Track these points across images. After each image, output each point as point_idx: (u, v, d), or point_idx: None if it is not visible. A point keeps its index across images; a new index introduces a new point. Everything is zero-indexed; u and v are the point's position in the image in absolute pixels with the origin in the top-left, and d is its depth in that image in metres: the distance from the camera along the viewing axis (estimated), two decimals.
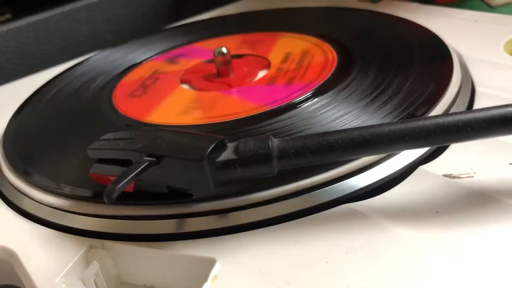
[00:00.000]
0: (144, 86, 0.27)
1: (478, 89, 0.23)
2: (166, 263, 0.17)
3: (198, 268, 0.16)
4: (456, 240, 0.15)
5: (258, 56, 0.29)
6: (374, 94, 0.21)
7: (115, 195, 0.15)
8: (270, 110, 0.22)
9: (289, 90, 0.23)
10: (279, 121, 0.21)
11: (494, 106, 0.15)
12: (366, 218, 0.16)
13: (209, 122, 0.22)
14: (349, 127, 0.17)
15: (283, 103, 0.22)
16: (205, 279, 0.15)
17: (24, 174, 0.21)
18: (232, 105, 0.23)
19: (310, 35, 0.30)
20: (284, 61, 0.27)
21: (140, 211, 0.18)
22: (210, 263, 0.15)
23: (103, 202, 0.18)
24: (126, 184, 0.15)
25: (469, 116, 0.15)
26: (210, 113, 0.23)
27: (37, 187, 0.20)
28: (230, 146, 0.16)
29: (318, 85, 0.23)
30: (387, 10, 0.33)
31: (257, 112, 0.22)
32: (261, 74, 0.26)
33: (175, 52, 0.32)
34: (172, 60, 0.31)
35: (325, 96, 0.22)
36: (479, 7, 0.34)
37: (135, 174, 0.15)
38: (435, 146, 0.19)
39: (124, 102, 0.26)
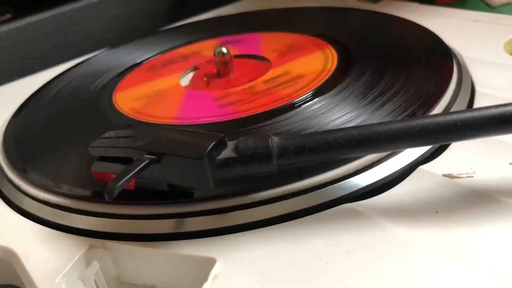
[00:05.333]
0: None
1: (478, 89, 0.23)
2: (166, 263, 0.17)
3: (198, 268, 0.16)
4: (456, 240, 0.15)
5: (258, 57, 0.29)
6: (374, 94, 0.21)
7: (116, 192, 0.15)
8: (270, 110, 0.22)
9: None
10: (279, 121, 0.21)
11: (494, 105, 0.15)
12: (366, 218, 0.16)
13: (209, 122, 0.22)
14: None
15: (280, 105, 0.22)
16: (205, 279, 0.15)
17: (24, 173, 0.21)
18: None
19: (310, 35, 0.30)
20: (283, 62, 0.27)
21: (141, 211, 0.18)
22: (210, 263, 0.15)
23: (103, 202, 0.18)
24: (127, 181, 0.15)
25: (468, 115, 0.15)
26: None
27: (37, 187, 0.20)
28: (230, 144, 0.16)
29: (318, 85, 0.23)
30: (387, 10, 0.33)
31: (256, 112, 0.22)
32: (260, 76, 0.26)
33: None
34: None
35: (325, 96, 0.22)
36: (479, 7, 0.34)
37: (135, 172, 0.15)
38: (435, 146, 0.19)
39: None
